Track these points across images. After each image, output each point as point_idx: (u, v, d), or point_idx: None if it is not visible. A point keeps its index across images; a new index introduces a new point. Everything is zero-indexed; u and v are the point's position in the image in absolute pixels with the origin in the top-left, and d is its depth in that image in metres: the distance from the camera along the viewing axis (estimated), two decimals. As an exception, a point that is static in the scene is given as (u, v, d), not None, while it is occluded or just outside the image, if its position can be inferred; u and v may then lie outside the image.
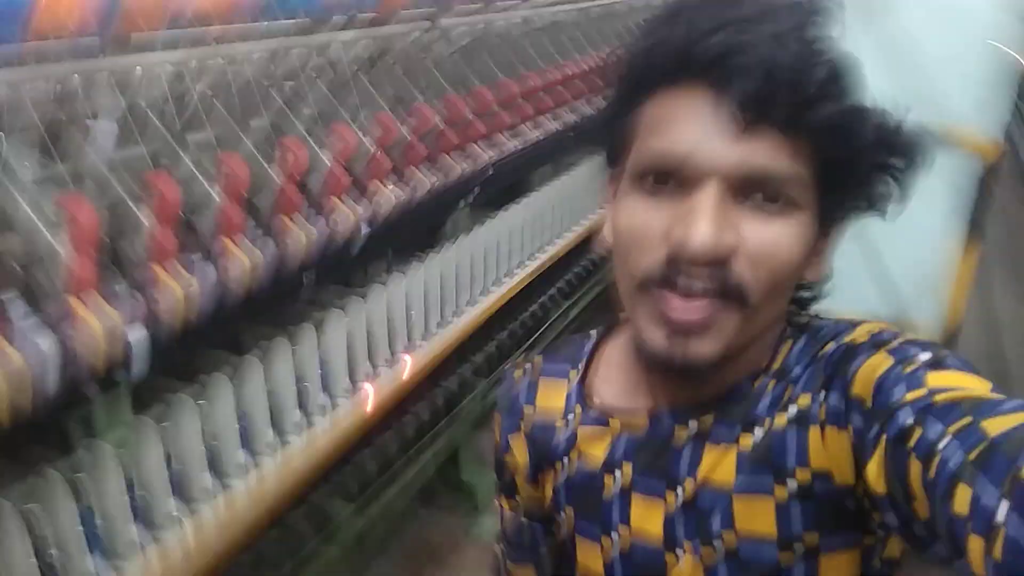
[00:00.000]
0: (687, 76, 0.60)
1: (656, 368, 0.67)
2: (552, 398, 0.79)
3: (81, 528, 1.36)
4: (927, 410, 0.52)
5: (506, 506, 0.87)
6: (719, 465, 0.67)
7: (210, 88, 1.86)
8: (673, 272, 0.59)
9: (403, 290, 2.09)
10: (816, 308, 0.71)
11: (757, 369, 0.68)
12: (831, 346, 0.65)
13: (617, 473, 0.72)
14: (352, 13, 2.14)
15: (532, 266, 2.70)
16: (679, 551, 0.69)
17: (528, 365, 0.83)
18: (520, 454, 0.81)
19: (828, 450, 0.61)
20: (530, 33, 3.07)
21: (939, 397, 0.53)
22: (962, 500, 0.47)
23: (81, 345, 1.35)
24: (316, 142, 1.97)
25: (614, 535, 0.72)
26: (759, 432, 0.65)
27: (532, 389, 0.81)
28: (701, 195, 0.58)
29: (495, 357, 2.68)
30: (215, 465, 1.59)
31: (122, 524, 1.42)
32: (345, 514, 1.99)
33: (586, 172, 3.18)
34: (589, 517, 0.74)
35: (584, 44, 3.38)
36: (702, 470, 0.67)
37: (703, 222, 0.57)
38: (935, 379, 0.55)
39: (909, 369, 0.56)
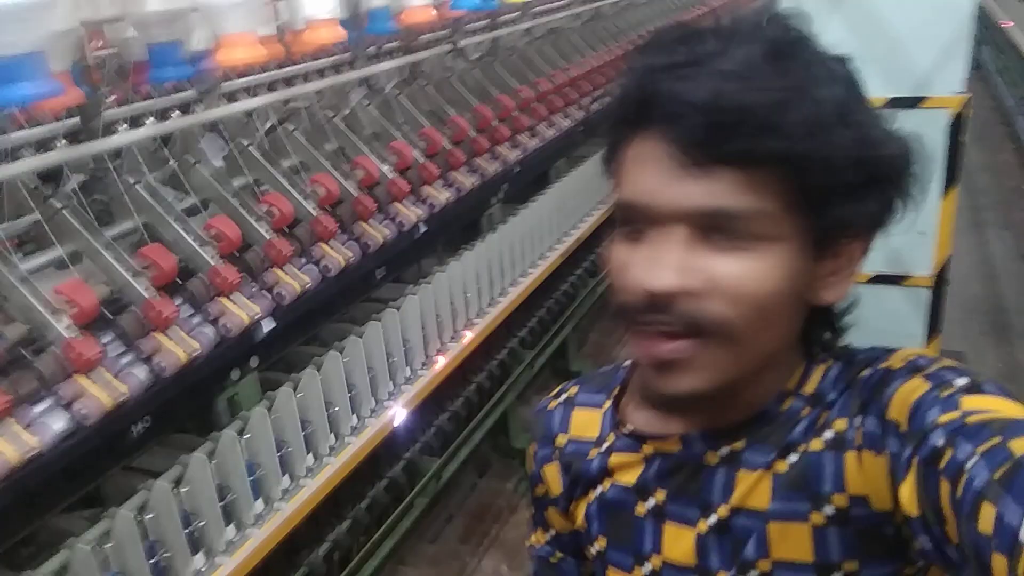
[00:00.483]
0: (644, 123, 0.60)
1: (652, 401, 0.68)
2: (587, 427, 0.78)
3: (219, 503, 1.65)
4: (959, 431, 0.52)
5: (540, 540, 0.84)
6: (754, 491, 0.65)
7: (289, 122, 2.22)
8: (650, 315, 0.59)
9: (460, 275, 2.45)
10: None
11: (783, 391, 0.67)
12: (867, 372, 0.63)
13: (650, 500, 0.71)
14: (382, 43, 2.49)
15: (560, 249, 3.04)
16: None
17: (563, 395, 0.82)
18: (554, 484, 0.79)
19: (865, 475, 0.60)
20: (533, 43, 3.38)
21: (971, 420, 0.52)
22: (987, 519, 0.46)
23: (232, 333, 1.71)
24: (378, 157, 2.34)
25: (647, 565, 0.71)
26: (794, 457, 0.64)
27: (566, 418, 0.80)
28: (665, 240, 0.58)
29: (537, 330, 3.05)
30: (310, 444, 1.91)
31: (245, 500, 1.73)
32: (433, 467, 2.39)
33: (597, 162, 3.46)
34: (621, 546, 0.73)
35: (583, 46, 3.69)
36: (736, 496, 0.66)
37: (662, 267, 0.58)
38: (970, 403, 0.54)
39: (945, 393, 0.55)
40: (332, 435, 1.97)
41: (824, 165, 0.57)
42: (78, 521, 1.63)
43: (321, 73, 2.28)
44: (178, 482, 1.60)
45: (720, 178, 0.56)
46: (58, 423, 1.46)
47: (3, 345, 1.44)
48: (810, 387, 0.66)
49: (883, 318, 2.19)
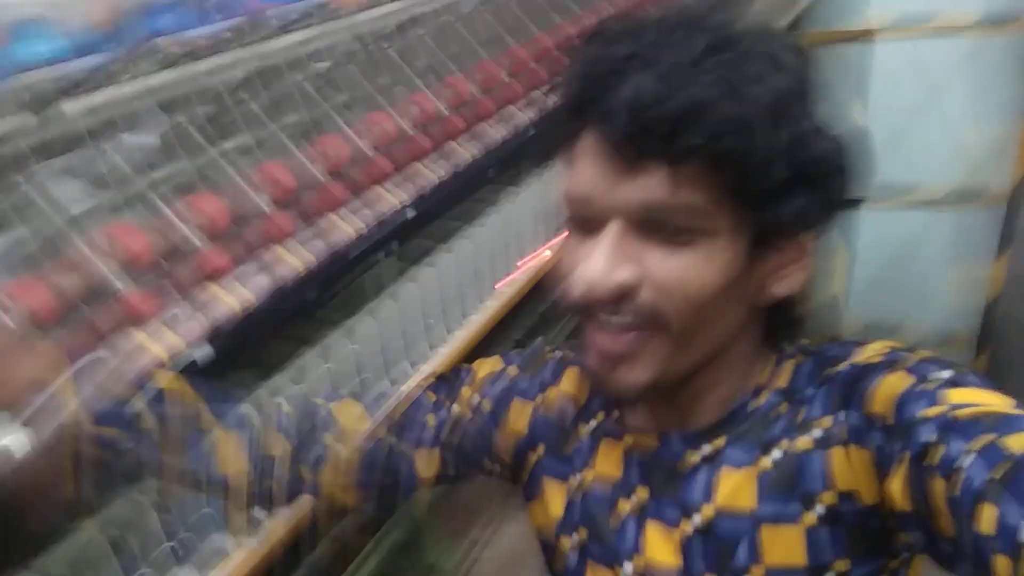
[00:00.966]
0: (583, 119, 0.62)
1: (602, 394, 0.69)
2: (577, 386, 0.78)
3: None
4: (949, 427, 0.53)
5: (436, 401, 0.81)
6: (739, 491, 0.67)
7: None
8: (590, 308, 0.62)
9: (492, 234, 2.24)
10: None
11: (757, 386, 0.69)
12: (843, 366, 0.65)
13: (633, 497, 0.72)
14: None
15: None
16: None
17: (559, 353, 0.83)
18: (518, 421, 0.78)
19: (853, 469, 0.62)
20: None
21: (961, 414, 0.54)
22: (987, 519, 0.48)
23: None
24: (401, 114, 2.07)
25: (628, 565, 0.72)
26: (777, 454, 0.66)
27: (559, 373, 0.80)
28: (600, 234, 0.61)
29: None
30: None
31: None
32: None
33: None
34: (603, 542, 0.74)
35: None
36: (720, 496, 0.67)
37: (593, 260, 0.60)
38: (956, 396, 0.56)
39: (929, 387, 0.57)
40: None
41: (751, 162, 0.59)
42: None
43: None
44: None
45: (650, 174, 0.59)
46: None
47: None
48: (782, 381, 0.70)
49: (957, 233, 2.28)
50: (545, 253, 2.26)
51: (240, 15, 1.73)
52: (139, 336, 1.42)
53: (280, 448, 0.80)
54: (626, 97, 0.57)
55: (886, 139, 2.99)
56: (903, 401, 0.57)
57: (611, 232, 0.60)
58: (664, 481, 0.70)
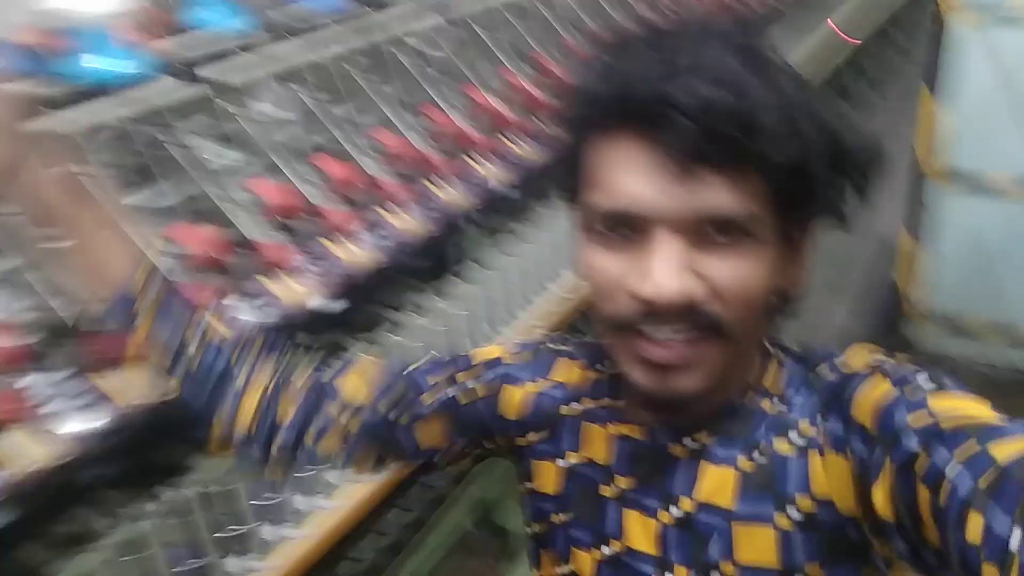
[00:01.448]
0: (622, 125, 0.58)
1: (644, 400, 0.67)
2: (567, 374, 0.77)
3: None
4: (933, 436, 0.52)
5: (438, 384, 0.81)
6: (719, 487, 0.65)
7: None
8: (647, 321, 0.59)
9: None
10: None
11: (744, 384, 0.67)
12: (825, 371, 0.64)
13: (615, 485, 0.71)
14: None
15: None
16: (668, 575, 0.68)
17: (552, 344, 0.81)
18: (509, 408, 0.78)
19: (829, 476, 0.60)
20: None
21: (944, 422, 0.52)
22: (974, 529, 0.46)
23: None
24: (489, 91, 2.20)
25: (605, 548, 0.71)
26: (758, 456, 0.64)
27: (549, 364, 0.78)
28: (655, 245, 0.57)
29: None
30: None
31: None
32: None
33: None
34: (584, 523, 0.73)
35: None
36: (700, 490, 0.66)
37: (663, 274, 0.56)
38: (938, 404, 0.54)
39: (910, 394, 0.56)
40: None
41: (802, 164, 0.58)
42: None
43: None
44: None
45: (707, 181, 0.56)
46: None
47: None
48: (769, 382, 0.67)
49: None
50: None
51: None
52: (271, 284, 1.57)
53: (289, 416, 0.81)
54: (691, 104, 0.54)
55: (962, 127, 2.99)
56: (886, 410, 0.56)
57: (669, 242, 0.57)
58: (648, 471, 0.69)
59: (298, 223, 1.69)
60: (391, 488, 1.70)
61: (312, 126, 1.85)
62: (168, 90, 1.62)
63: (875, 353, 0.63)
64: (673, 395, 0.62)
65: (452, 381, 0.81)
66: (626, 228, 0.59)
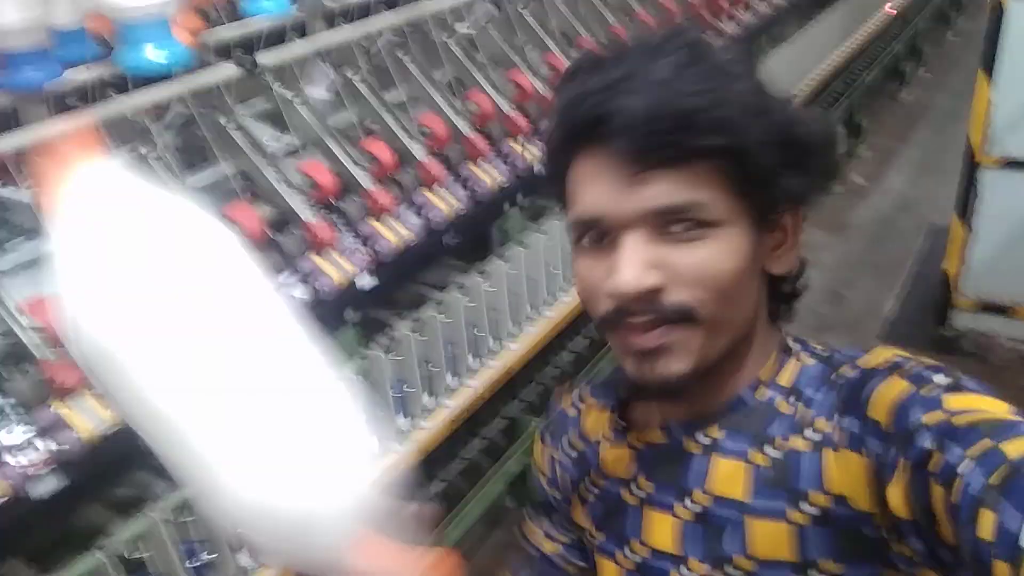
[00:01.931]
0: (578, 147, 0.64)
1: (643, 391, 0.71)
2: (596, 427, 0.80)
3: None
4: (946, 433, 0.52)
5: (551, 547, 0.84)
6: (731, 480, 0.67)
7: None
8: (622, 314, 0.63)
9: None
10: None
11: (756, 380, 0.69)
12: (847, 370, 0.65)
13: (634, 488, 0.73)
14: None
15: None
16: (683, 569, 0.69)
17: (580, 404, 0.83)
18: (562, 480, 0.81)
19: (845, 474, 0.61)
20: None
21: (958, 420, 0.53)
22: (986, 525, 0.47)
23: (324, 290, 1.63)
24: (535, 74, 2.23)
25: (627, 550, 0.73)
26: (771, 451, 0.66)
27: (580, 423, 0.82)
28: (621, 246, 0.62)
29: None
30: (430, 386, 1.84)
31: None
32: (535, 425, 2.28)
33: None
34: (610, 535, 0.75)
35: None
36: (713, 482, 0.68)
37: (624, 269, 0.61)
38: (953, 402, 0.55)
39: (926, 392, 0.56)
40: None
41: (753, 152, 0.61)
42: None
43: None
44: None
45: (664, 179, 0.60)
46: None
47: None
48: (785, 379, 0.68)
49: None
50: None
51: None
52: (319, 261, 1.64)
53: None
54: (624, 116, 0.60)
55: (1011, 112, 2.93)
56: (902, 408, 0.57)
57: (630, 241, 0.62)
58: (666, 470, 0.72)
59: (348, 204, 1.75)
60: (428, 461, 1.75)
61: (363, 110, 1.91)
62: (228, 75, 1.69)
63: (897, 353, 0.64)
64: (660, 380, 0.65)
65: (549, 512, 0.85)
66: (598, 235, 0.64)
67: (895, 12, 4.50)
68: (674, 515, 0.70)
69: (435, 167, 1.89)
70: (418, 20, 2.19)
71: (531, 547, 0.87)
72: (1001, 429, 0.51)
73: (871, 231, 4.30)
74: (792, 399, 0.67)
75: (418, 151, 1.88)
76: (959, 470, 0.50)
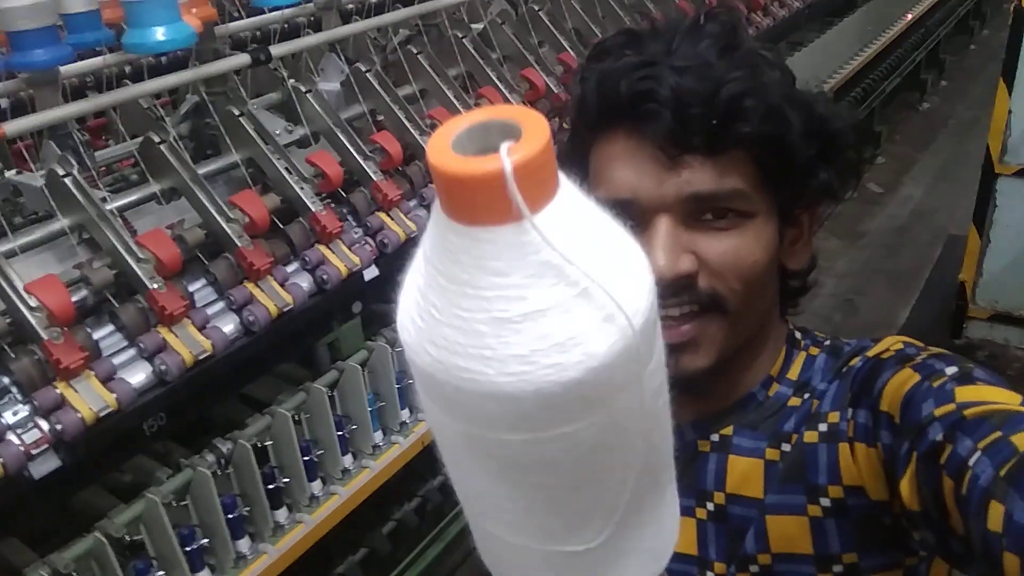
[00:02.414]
0: (612, 124, 0.62)
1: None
2: None
3: (337, 432, 1.66)
4: (957, 425, 0.51)
5: None
6: (747, 478, 0.66)
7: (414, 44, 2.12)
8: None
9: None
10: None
11: (766, 376, 0.68)
12: (857, 362, 0.64)
13: None
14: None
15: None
16: (709, 574, 0.68)
17: None
18: None
19: (859, 466, 0.60)
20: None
21: (968, 412, 0.52)
22: (995, 517, 0.46)
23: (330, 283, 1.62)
24: (548, 72, 2.22)
25: None
26: (786, 447, 0.65)
27: None
28: (652, 231, 0.60)
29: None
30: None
31: (364, 430, 1.73)
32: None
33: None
34: None
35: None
36: (730, 483, 0.67)
37: (660, 253, 0.59)
38: (963, 393, 0.54)
39: (937, 384, 0.55)
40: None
41: (781, 143, 0.60)
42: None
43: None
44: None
45: (693, 166, 0.59)
46: (228, 326, 1.50)
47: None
48: (794, 372, 0.68)
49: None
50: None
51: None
52: (326, 252, 1.64)
53: None
54: (666, 96, 0.58)
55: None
56: (910, 399, 0.56)
57: (664, 226, 0.61)
58: (680, 472, 0.69)
59: (356, 196, 1.76)
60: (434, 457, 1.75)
61: (374, 104, 1.92)
62: (241, 66, 1.70)
63: (907, 342, 0.63)
64: (684, 375, 0.64)
65: None
66: (630, 219, 0.61)
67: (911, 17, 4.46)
68: (695, 517, 0.68)
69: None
70: (432, 16, 2.20)
71: None
72: (1012, 421, 0.50)
73: (887, 240, 4.26)
74: (802, 393, 0.66)
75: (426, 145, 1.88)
76: (969, 462, 0.49)
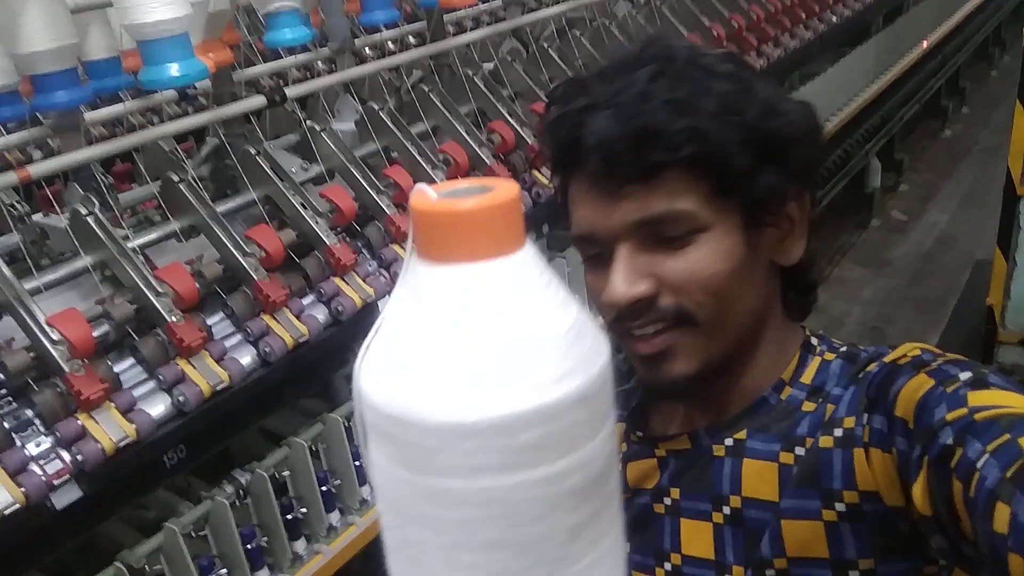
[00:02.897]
0: (567, 163, 0.67)
1: (655, 394, 0.72)
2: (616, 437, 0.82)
3: (355, 463, 1.66)
4: (967, 429, 0.51)
5: None
6: (762, 481, 0.67)
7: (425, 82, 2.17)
8: (623, 322, 0.65)
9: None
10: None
11: (778, 380, 0.69)
12: (873, 367, 0.64)
13: (666, 500, 0.72)
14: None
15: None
16: None
17: None
18: None
19: (874, 471, 0.60)
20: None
21: (979, 415, 0.52)
22: (1001, 518, 0.46)
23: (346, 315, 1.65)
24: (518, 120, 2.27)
25: (667, 564, 0.72)
26: (800, 451, 0.65)
27: None
28: (614, 258, 0.64)
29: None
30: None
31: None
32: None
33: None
34: (643, 548, 0.73)
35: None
36: (745, 486, 0.67)
37: (615, 280, 0.64)
38: (976, 398, 0.54)
39: (950, 389, 0.55)
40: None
41: (722, 155, 0.61)
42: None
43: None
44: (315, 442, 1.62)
45: (633, 196, 0.62)
46: (245, 358, 1.53)
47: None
48: (807, 377, 0.68)
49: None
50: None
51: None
52: (341, 284, 1.68)
53: None
54: (592, 139, 0.62)
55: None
56: (924, 404, 0.56)
57: (620, 255, 0.64)
58: (695, 477, 0.71)
59: (370, 230, 1.79)
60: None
61: (387, 140, 1.97)
62: (258, 107, 1.76)
63: (923, 348, 0.63)
64: (667, 383, 0.67)
65: None
66: (596, 250, 0.66)
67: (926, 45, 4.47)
68: (712, 522, 0.69)
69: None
70: (444, 56, 2.26)
71: None
72: (1021, 424, 0.50)
73: (912, 266, 4.21)
74: (816, 397, 0.67)
75: (439, 179, 1.92)
76: (977, 464, 0.49)
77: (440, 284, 0.34)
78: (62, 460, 1.29)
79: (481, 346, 0.34)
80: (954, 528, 0.52)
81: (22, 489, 1.23)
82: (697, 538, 0.70)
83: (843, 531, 0.62)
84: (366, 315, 1.69)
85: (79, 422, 1.31)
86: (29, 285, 1.38)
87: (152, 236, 1.58)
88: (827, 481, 0.63)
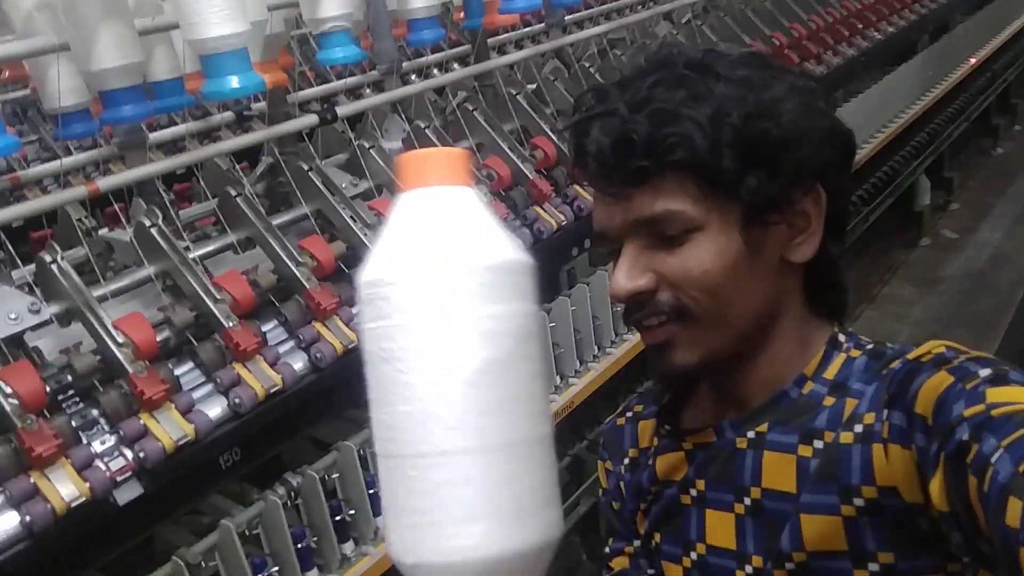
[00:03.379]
0: (582, 168, 0.71)
1: (665, 382, 0.79)
2: (647, 432, 0.83)
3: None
4: (983, 425, 0.52)
5: (623, 563, 0.84)
6: (780, 473, 0.68)
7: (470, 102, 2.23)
8: (631, 313, 0.71)
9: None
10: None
11: (799, 375, 0.71)
12: (896, 364, 0.65)
13: (692, 491, 0.75)
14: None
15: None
16: (748, 568, 0.70)
17: (629, 412, 0.87)
18: (622, 489, 0.84)
19: (893, 467, 0.61)
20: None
21: (996, 412, 0.52)
22: (1013, 513, 0.47)
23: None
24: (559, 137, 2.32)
25: (692, 554, 0.75)
26: (819, 444, 0.67)
27: (634, 432, 0.85)
28: (621, 255, 0.70)
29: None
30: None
31: None
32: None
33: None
34: (672, 537, 0.76)
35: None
36: (765, 478, 0.70)
37: (618, 274, 0.69)
38: (995, 395, 0.54)
39: (970, 386, 0.56)
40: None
41: (708, 160, 0.64)
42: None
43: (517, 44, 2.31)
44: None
45: (632, 197, 0.67)
46: (298, 363, 1.58)
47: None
48: (830, 373, 0.70)
49: None
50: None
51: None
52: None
53: None
54: (590, 149, 0.68)
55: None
56: (942, 401, 0.57)
57: (625, 251, 0.69)
58: (720, 469, 0.73)
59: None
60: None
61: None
62: (310, 126, 1.83)
63: (947, 346, 0.64)
64: (673, 370, 0.71)
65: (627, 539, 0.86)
66: (611, 246, 0.71)
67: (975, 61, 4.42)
68: (733, 512, 0.72)
69: (499, 208, 1.97)
70: (487, 76, 2.32)
71: (606, 570, 0.88)
72: None
73: (965, 285, 4.12)
74: (838, 393, 0.68)
75: (483, 192, 1.97)
76: (991, 459, 0.50)
77: (412, 198, 0.55)
78: (125, 457, 1.35)
79: (450, 227, 0.53)
80: (971, 524, 0.53)
81: (87, 484, 1.29)
82: (720, 528, 0.72)
83: (862, 526, 0.63)
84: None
85: (141, 422, 1.37)
86: (96, 293, 1.46)
87: (211, 248, 1.66)
88: (846, 477, 0.64)
